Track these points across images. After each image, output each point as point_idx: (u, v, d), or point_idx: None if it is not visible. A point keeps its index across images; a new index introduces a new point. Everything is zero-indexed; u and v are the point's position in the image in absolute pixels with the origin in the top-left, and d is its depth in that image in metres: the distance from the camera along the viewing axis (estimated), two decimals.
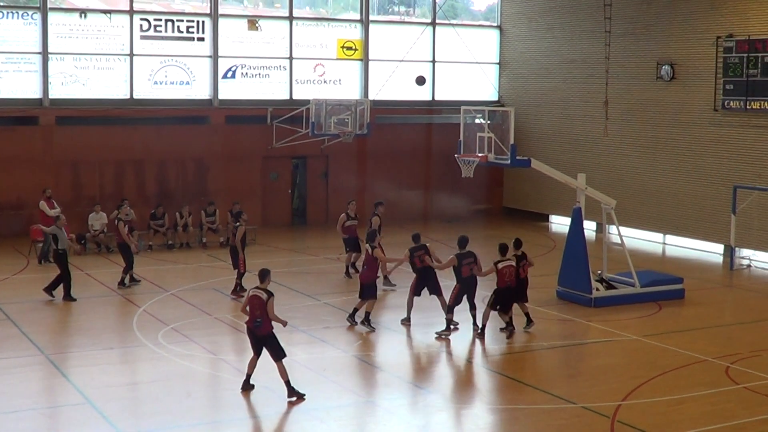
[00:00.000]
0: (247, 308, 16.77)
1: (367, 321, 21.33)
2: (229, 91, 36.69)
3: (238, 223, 25.51)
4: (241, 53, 36.81)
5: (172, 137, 35.75)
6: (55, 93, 34.28)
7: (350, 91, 38.47)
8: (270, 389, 17.06)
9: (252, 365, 16.93)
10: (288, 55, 37.53)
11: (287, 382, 16.60)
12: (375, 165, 39.01)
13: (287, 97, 37.53)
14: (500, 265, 21.01)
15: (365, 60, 38.76)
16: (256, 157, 37.04)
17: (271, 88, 37.39)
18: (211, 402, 17.14)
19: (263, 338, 16.71)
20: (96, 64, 34.78)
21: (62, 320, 22.43)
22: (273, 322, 16.69)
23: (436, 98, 40.22)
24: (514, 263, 21.27)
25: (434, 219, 39.07)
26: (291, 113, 35.79)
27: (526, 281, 21.70)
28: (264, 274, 17.02)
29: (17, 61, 33.82)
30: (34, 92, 34.13)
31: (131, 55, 35.09)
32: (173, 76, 35.91)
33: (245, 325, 17.03)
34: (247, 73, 37.03)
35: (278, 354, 16.70)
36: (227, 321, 22.02)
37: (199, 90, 36.33)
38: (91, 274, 27.07)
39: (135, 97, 35.35)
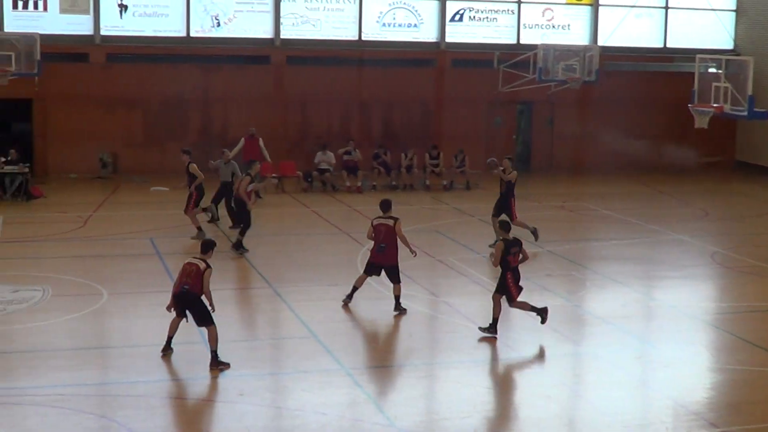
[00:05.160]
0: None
1: None
2: (457, 34, 36.59)
3: (246, 174, 23.65)
4: None
5: (398, 80, 36.01)
6: (286, 33, 34.97)
7: (578, 37, 37.78)
8: (491, 334, 17.04)
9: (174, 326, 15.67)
10: None
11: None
12: (601, 112, 38.30)
13: (514, 41, 37.16)
14: None
15: (595, 5, 37.95)
16: (481, 102, 36.92)
17: (498, 32, 37.09)
18: (430, 343, 17.23)
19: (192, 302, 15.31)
20: (326, 5, 35.26)
21: (289, 255, 22.96)
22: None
23: (668, 45, 39.02)
24: None
25: (662, 170, 38.12)
26: (518, 58, 35.42)
27: None
28: (208, 246, 15.67)
29: (251, 1, 34.60)
30: (266, 32, 34.90)
31: None
32: (401, 18, 36.07)
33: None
34: (474, 17, 36.85)
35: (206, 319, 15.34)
36: (449, 263, 22.06)
37: (426, 33, 36.38)
38: (317, 212, 27.62)
39: (363, 38, 35.69)
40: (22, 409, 13.33)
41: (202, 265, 15.12)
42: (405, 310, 18.17)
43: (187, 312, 15.34)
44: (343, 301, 18.59)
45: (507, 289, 16.72)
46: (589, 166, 37.98)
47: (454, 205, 29.37)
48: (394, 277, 18.29)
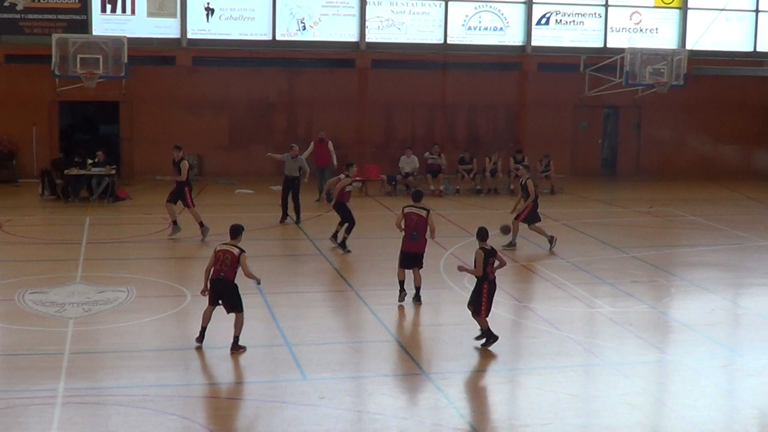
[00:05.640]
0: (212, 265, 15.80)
1: None
2: (543, 37, 36.34)
3: (344, 174, 23.76)
4: None
5: (483, 83, 35.93)
6: (371, 37, 35.03)
7: (666, 41, 37.32)
8: (574, 340, 16.85)
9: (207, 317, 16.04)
10: (603, 2, 36.76)
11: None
12: (690, 117, 37.83)
13: (601, 45, 36.82)
14: None
15: (684, 8, 37.45)
16: (567, 106, 36.67)
17: (584, 36, 36.79)
18: (512, 348, 17.05)
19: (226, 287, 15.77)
20: (412, 9, 35.28)
21: (371, 258, 22.93)
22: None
23: (758, 49, 38.34)
24: None
25: (752, 176, 37.48)
26: (605, 62, 35.06)
27: None
28: (237, 230, 16.05)
29: (337, 5, 34.72)
30: (351, 35, 34.99)
31: (446, 0, 35.35)
32: (487, 21, 35.94)
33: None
34: (561, 20, 36.59)
35: (237, 306, 15.87)
36: (532, 268, 21.88)
37: (512, 36, 36.20)
38: None
39: (449, 42, 35.62)
40: (105, 409, 13.46)
41: (236, 251, 15.69)
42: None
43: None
44: (400, 297, 18.83)
45: (479, 300, 16.22)
46: (676, 171, 37.49)
47: (539, 210, 29.06)
48: (419, 263, 18.75)
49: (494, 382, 15.12)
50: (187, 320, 17.82)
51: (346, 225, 23.23)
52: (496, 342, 16.23)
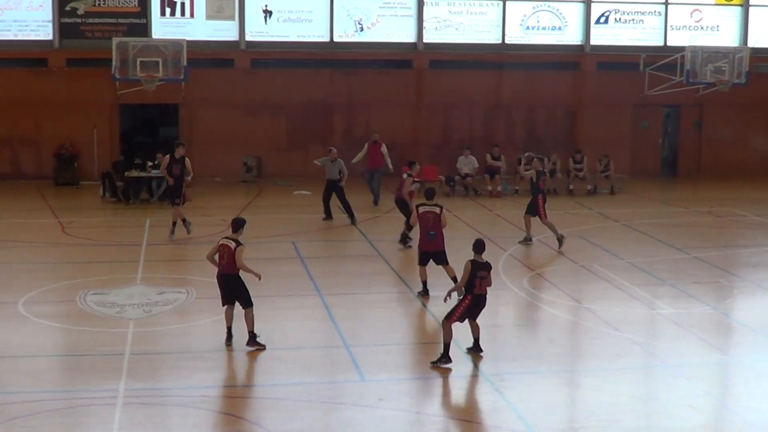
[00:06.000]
0: (215, 257, 16.04)
1: None
2: (602, 36, 36.08)
3: (407, 174, 23.83)
4: None
5: (541, 83, 35.74)
6: (429, 37, 34.99)
7: (728, 38, 36.86)
8: (634, 342, 16.69)
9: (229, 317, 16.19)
10: (663, 0, 36.43)
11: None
12: (752, 116, 37.36)
13: (661, 43, 36.47)
14: None
15: (745, 5, 36.98)
16: (627, 105, 36.38)
17: (644, 34, 36.46)
18: (571, 350, 16.97)
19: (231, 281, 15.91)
20: (469, 9, 35.17)
21: None
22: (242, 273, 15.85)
23: None
24: None
25: None
26: (665, 60, 34.70)
27: None
28: (238, 224, 16.22)
29: (394, 6, 34.73)
30: (409, 36, 34.98)
31: (503, 0, 35.23)
32: (545, 21, 35.75)
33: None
34: (620, 19, 36.31)
35: (243, 300, 15.99)
36: (592, 269, 21.71)
37: (570, 35, 35.99)
38: (458, 216, 27.46)
39: (506, 42, 35.48)
40: (165, 410, 13.55)
41: (233, 245, 15.79)
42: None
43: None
44: (420, 295, 19.15)
45: (455, 312, 15.55)
46: (737, 171, 37.00)
47: (598, 210, 28.93)
48: (444, 260, 19.05)
49: (553, 383, 15.00)
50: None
51: (406, 222, 23.43)
52: (448, 365, 15.29)
